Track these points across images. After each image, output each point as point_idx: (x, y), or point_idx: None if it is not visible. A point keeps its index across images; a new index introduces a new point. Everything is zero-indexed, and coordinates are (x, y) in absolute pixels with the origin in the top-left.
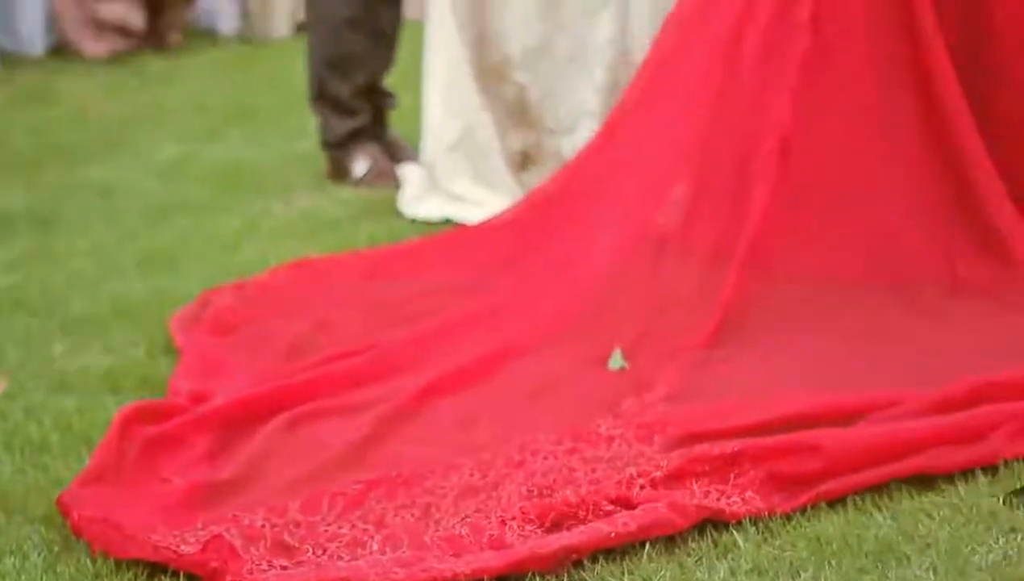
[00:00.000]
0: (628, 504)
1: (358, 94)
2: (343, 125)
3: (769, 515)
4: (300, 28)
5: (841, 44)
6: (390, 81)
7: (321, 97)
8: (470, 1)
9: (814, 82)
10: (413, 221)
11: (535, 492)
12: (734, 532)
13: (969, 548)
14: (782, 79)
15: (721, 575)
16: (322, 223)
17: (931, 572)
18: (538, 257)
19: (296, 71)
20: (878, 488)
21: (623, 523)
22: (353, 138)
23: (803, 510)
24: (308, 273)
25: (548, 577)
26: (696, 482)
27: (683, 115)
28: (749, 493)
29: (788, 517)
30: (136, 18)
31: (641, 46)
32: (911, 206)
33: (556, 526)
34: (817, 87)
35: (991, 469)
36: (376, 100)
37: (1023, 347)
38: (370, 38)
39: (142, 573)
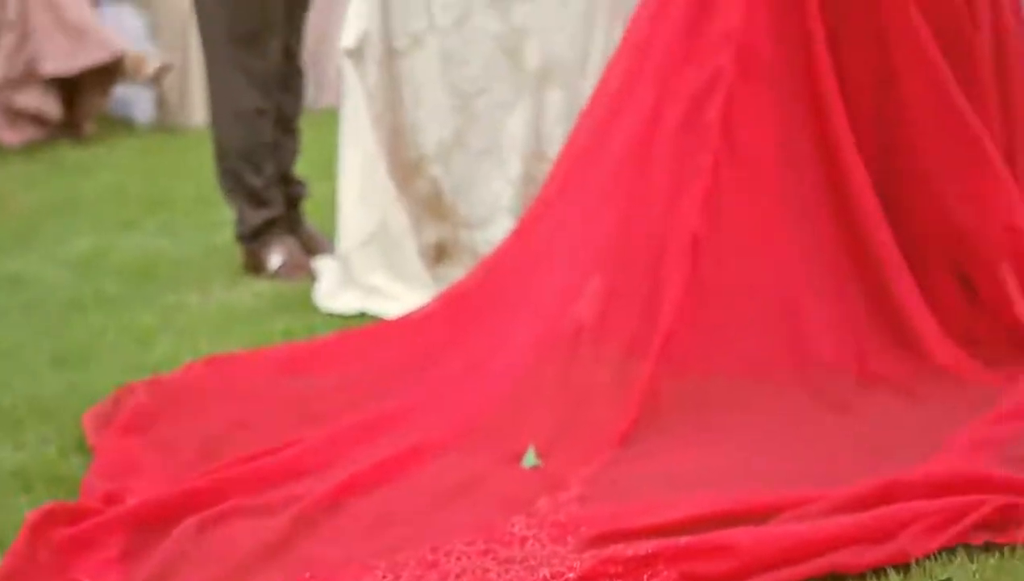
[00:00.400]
0: None
1: (270, 184)
2: (258, 216)
3: None
4: None
5: (751, 146)
6: (307, 171)
7: (234, 189)
8: (383, 95)
9: (724, 183)
10: (329, 315)
11: None
12: None
13: None
14: (692, 180)
15: None
16: (238, 317)
17: None
18: (454, 354)
19: (212, 161)
20: None
21: None
22: (268, 229)
23: None
24: (223, 370)
25: None
26: None
27: (597, 212)
28: None
29: None
30: (52, 107)
31: (555, 140)
32: (823, 302)
33: None
34: (727, 188)
35: (903, 567)
36: (288, 189)
37: (933, 443)
38: (276, 127)
39: None
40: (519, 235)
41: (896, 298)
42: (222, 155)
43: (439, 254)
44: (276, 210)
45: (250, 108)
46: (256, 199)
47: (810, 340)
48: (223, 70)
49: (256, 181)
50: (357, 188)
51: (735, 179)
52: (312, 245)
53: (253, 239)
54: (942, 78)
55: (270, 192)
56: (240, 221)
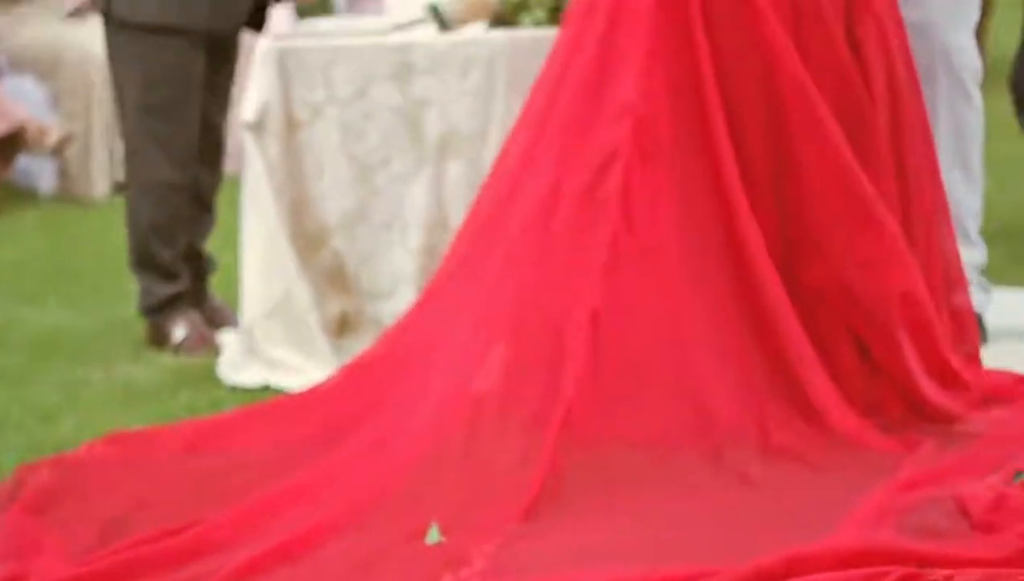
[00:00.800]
0: None
1: (180, 259)
2: (165, 290)
3: None
4: (119, 188)
5: (650, 218)
6: (210, 240)
7: (143, 262)
8: (285, 167)
9: (623, 256)
10: (233, 389)
11: None
12: None
13: None
14: (592, 252)
15: None
16: (141, 392)
17: None
18: (358, 429)
19: (115, 232)
20: None
21: None
22: (174, 303)
23: None
24: (126, 448)
25: None
26: None
27: (499, 283)
28: None
29: None
30: None
31: (456, 211)
32: (723, 373)
33: None
34: (627, 260)
35: None
36: (196, 265)
37: (836, 514)
38: (192, 202)
39: None
40: (422, 306)
41: (796, 366)
42: (133, 226)
43: (343, 326)
44: (184, 285)
45: (164, 181)
46: (165, 273)
47: (711, 410)
48: (137, 140)
49: (166, 255)
50: (259, 261)
51: (634, 251)
52: (217, 318)
53: (158, 312)
54: (837, 146)
55: (179, 266)
56: (146, 294)
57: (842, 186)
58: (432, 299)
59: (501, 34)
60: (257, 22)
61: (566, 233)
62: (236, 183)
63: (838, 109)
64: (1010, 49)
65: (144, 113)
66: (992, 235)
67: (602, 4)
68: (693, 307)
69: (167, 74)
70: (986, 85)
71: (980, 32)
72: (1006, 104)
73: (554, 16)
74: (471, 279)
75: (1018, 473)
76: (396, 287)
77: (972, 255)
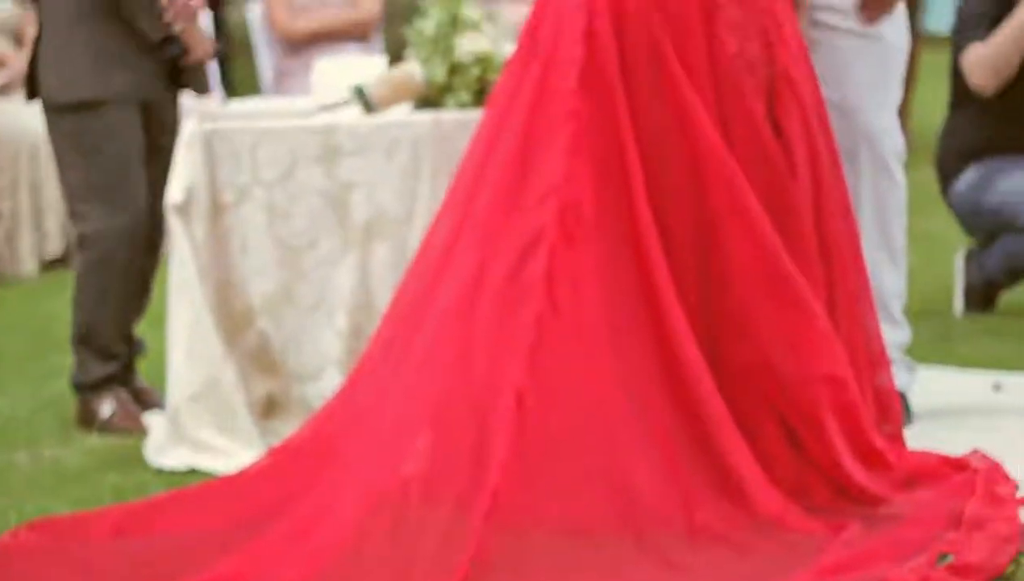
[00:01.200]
0: None
1: (119, 340)
2: (101, 370)
3: None
4: (46, 266)
5: (575, 301)
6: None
7: (85, 339)
8: (211, 249)
9: (549, 339)
10: (159, 471)
11: None
12: None
13: None
14: (517, 336)
15: None
16: (68, 475)
17: None
18: (284, 514)
19: (43, 311)
20: None
21: None
22: (107, 383)
23: None
24: (52, 534)
25: None
26: None
27: (425, 366)
28: None
29: None
30: None
31: (383, 293)
32: (648, 455)
33: None
34: (552, 344)
35: None
36: (127, 349)
37: None
38: (134, 284)
39: None
40: (348, 390)
41: (721, 447)
42: (80, 302)
43: (269, 408)
44: (119, 365)
45: (111, 258)
46: (104, 352)
47: (636, 492)
48: (83, 218)
49: (108, 334)
50: (185, 343)
51: (560, 334)
52: (143, 399)
53: (90, 390)
54: (761, 227)
55: (118, 347)
56: (82, 370)
57: (766, 266)
58: (359, 383)
59: (426, 116)
60: (196, 84)
61: (491, 316)
62: (163, 264)
63: (761, 191)
64: (933, 119)
65: (87, 190)
66: (917, 313)
67: (526, 85)
68: (618, 389)
69: (106, 149)
70: (909, 158)
71: (902, 109)
72: (930, 177)
73: (479, 98)
74: (397, 363)
75: (942, 555)
76: (323, 369)
77: (896, 335)
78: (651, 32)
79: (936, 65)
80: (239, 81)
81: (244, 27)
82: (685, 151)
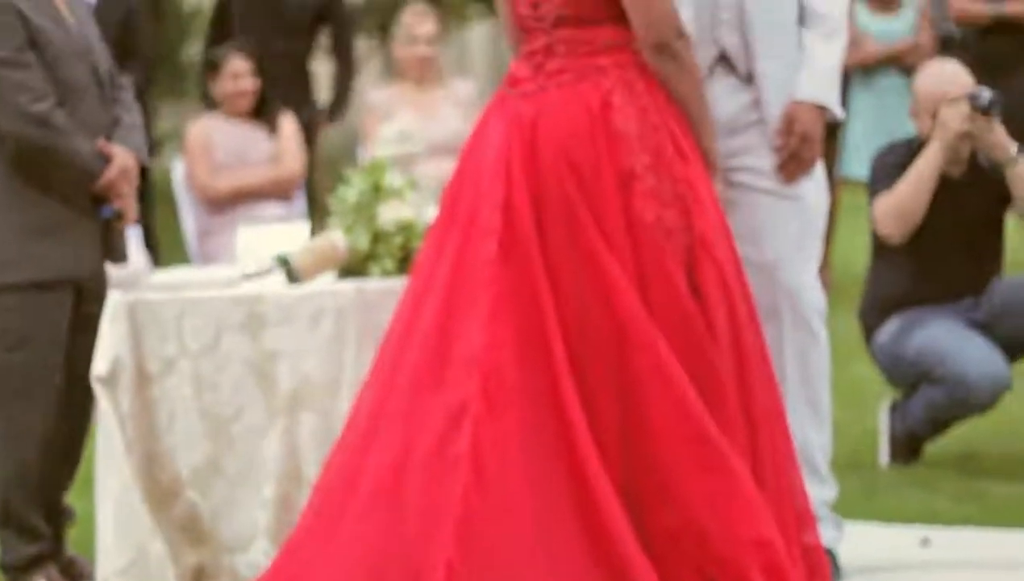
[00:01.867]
0: None
1: (43, 517)
2: (29, 550)
3: None
4: None
5: (500, 472)
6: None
7: (7, 521)
8: (137, 421)
9: (475, 511)
10: None
11: None
12: None
13: None
14: (444, 509)
15: None
16: None
17: None
18: None
19: None
20: None
21: None
22: (37, 563)
23: None
24: None
25: None
26: None
27: (354, 538)
28: None
29: None
30: None
31: (311, 462)
32: None
33: None
34: (478, 515)
35: None
36: (56, 518)
37: None
38: (59, 455)
39: None
40: (279, 564)
41: None
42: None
43: (199, 579)
44: (47, 544)
45: (36, 435)
46: (30, 533)
47: None
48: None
49: (31, 515)
50: (113, 516)
51: (486, 506)
52: (73, 570)
53: (21, 571)
54: (683, 391)
55: (43, 527)
56: (10, 551)
57: (689, 430)
58: (289, 555)
59: (350, 285)
60: (114, 255)
61: (419, 489)
62: (92, 432)
63: (682, 354)
64: (854, 265)
65: (8, 371)
66: (842, 466)
67: (447, 254)
68: (544, 555)
69: (32, 331)
70: (831, 306)
71: (823, 263)
72: (852, 324)
73: (403, 266)
74: (327, 535)
75: None
76: (253, 539)
77: (822, 491)
78: (568, 201)
79: (856, 207)
80: (162, 235)
81: (167, 180)
82: (606, 316)
